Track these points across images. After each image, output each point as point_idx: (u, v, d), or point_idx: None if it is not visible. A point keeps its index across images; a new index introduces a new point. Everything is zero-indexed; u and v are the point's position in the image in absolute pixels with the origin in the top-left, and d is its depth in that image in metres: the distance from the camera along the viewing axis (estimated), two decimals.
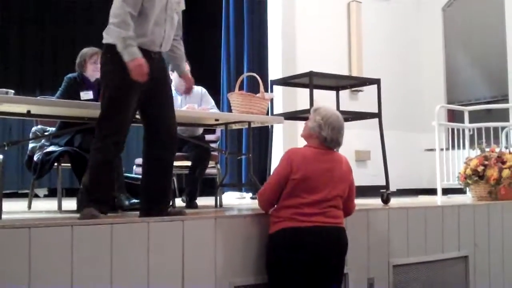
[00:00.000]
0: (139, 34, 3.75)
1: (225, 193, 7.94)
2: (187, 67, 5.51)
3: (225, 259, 3.75)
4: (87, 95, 4.87)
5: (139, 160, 5.58)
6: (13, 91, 3.96)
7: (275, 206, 3.83)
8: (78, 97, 4.78)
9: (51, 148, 4.82)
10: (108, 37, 3.77)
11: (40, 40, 9.47)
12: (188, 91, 4.41)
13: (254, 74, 5.31)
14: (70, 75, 5.01)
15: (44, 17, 9.53)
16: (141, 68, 3.61)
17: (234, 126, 5.28)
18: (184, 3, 4.12)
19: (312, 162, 3.76)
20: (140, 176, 4.08)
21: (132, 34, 3.65)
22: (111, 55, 3.76)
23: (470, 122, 7.46)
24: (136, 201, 4.46)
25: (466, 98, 9.40)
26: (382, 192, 5.43)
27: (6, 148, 4.13)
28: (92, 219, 3.47)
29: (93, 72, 5.00)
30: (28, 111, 4.17)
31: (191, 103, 5.47)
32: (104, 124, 3.72)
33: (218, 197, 5.29)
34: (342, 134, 3.89)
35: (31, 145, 5.04)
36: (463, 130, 7.34)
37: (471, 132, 7.32)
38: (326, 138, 3.81)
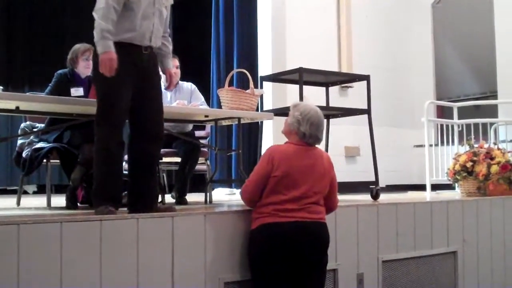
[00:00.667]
0: (128, 29, 3.78)
1: (215, 189, 7.94)
2: (176, 63, 5.53)
3: (215, 255, 3.75)
4: (77, 91, 4.85)
5: (125, 157, 5.57)
6: (1, 87, 3.95)
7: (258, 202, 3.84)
8: (68, 94, 4.76)
9: (40, 145, 4.80)
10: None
11: (29, 35, 9.40)
12: (169, 87, 4.38)
13: (244, 70, 5.31)
14: (60, 71, 4.98)
15: (33, 12, 9.47)
16: (111, 62, 3.62)
17: (224, 122, 5.28)
18: None
19: (292, 159, 3.76)
20: (126, 172, 4.07)
21: (111, 28, 3.65)
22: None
23: (459, 118, 7.50)
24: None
25: (455, 94, 9.45)
26: (371, 188, 5.44)
27: None
28: (108, 215, 3.49)
29: (84, 69, 4.97)
30: (17, 107, 4.15)
31: (181, 99, 5.46)
32: (103, 123, 3.73)
33: (208, 193, 5.29)
34: (322, 130, 3.88)
35: (20, 142, 5.01)
36: (452, 126, 7.38)
37: (460, 128, 7.36)
38: (305, 134, 3.81)
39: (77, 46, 5.04)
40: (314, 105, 3.96)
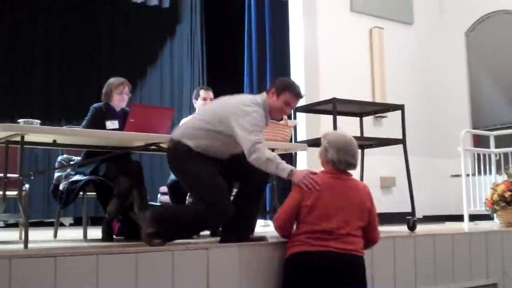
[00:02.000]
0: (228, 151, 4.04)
1: None
2: (210, 95, 5.63)
3: (250, 287, 3.72)
4: (112, 124, 4.91)
5: (163, 188, 5.59)
6: (39, 121, 4.02)
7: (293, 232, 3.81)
8: (103, 127, 4.81)
9: (77, 177, 4.86)
10: (183, 138, 3.98)
11: (65, 70, 9.60)
12: None
13: None
14: (96, 104, 5.05)
15: (69, 47, 9.67)
16: (308, 179, 3.73)
17: None
18: None
19: (324, 189, 3.72)
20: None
21: (272, 154, 3.81)
22: (184, 152, 3.94)
23: (496, 147, 7.38)
24: None
25: (492, 122, 9.31)
26: (408, 219, 5.36)
27: (32, 178, 4.18)
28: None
29: (118, 102, 5.04)
30: (54, 141, 4.22)
31: None
32: (205, 200, 3.81)
33: None
34: (352, 154, 3.81)
35: (57, 174, 5.08)
36: (489, 155, 7.26)
37: (497, 157, 7.23)
38: (334, 160, 3.78)
39: (111, 80, 5.11)
40: (345, 132, 3.94)
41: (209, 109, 4.21)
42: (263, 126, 4.00)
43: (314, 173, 3.79)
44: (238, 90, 8.80)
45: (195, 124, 4.03)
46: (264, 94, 4.17)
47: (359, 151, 3.95)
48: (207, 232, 5.44)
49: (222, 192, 3.85)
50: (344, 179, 3.82)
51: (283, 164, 3.78)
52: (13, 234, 5.58)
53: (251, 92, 8.59)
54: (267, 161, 3.75)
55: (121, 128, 4.82)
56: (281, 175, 3.78)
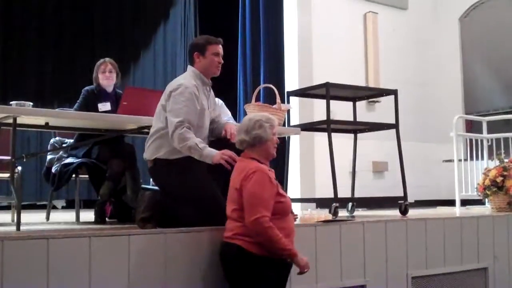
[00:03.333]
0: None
1: None
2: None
3: None
4: (104, 106, 4.90)
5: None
6: (31, 103, 4.00)
7: None
8: (95, 109, 4.80)
9: (69, 160, 4.85)
10: (155, 154, 3.92)
11: (58, 52, 9.53)
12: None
13: (271, 86, 5.31)
14: (87, 87, 5.03)
15: (62, 29, 9.60)
16: (226, 157, 3.70)
17: None
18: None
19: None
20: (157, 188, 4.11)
21: (196, 139, 3.77)
22: (166, 167, 3.89)
23: (489, 132, 7.41)
24: None
25: (484, 108, 9.34)
26: (400, 203, 5.38)
27: (24, 160, 4.18)
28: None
29: (103, 81, 5.01)
30: (46, 123, 4.20)
31: None
32: (202, 210, 3.79)
33: None
34: (241, 132, 3.63)
35: (49, 157, 5.07)
36: (482, 141, 7.29)
37: (490, 143, 7.27)
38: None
39: (97, 63, 5.11)
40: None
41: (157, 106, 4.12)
42: (194, 97, 3.95)
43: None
44: (232, 74, 8.79)
45: (156, 130, 3.96)
46: (189, 68, 4.21)
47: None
48: None
49: (218, 201, 3.78)
50: (240, 160, 3.65)
51: (206, 150, 3.76)
52: (5, 217, 5.57)
53: (245, 77, 8.59)
54: (190, 149, 3.74)
55: (114, 110, 4.82)
56: (207, 162, 3.76)
